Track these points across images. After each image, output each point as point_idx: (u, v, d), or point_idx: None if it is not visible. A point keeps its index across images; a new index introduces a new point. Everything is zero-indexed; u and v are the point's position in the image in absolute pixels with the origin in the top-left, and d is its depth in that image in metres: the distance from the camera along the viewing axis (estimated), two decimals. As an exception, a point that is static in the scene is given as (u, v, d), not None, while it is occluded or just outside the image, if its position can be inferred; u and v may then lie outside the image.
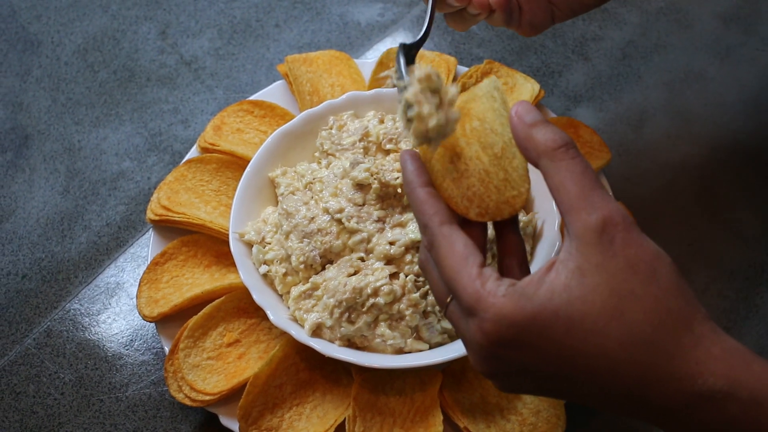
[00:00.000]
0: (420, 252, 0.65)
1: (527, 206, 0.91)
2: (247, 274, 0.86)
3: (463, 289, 0.58)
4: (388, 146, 0.90)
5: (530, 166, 0.63)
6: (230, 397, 0.84)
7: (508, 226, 0.66)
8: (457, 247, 0.60)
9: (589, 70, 1.10)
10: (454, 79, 1.01)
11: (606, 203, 0.56)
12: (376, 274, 0.82)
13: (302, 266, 0.85)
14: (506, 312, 0.56)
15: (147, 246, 0.97)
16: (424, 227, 0.62)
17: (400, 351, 0.83)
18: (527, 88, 0.99)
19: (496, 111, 0.64)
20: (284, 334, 0.85)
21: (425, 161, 0.66)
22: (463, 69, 1.02)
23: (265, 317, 0.85)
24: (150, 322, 0.89)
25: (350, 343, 0.83)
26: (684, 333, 0.55)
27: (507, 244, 0.65)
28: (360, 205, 0.86)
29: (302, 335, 0.82)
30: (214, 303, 0.87)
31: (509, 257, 0.65)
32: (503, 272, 0.64)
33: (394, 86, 0.68)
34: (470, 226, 0.64)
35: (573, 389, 0.58)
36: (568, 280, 0.55)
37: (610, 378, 0.55)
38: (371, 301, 0.81)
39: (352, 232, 0.84)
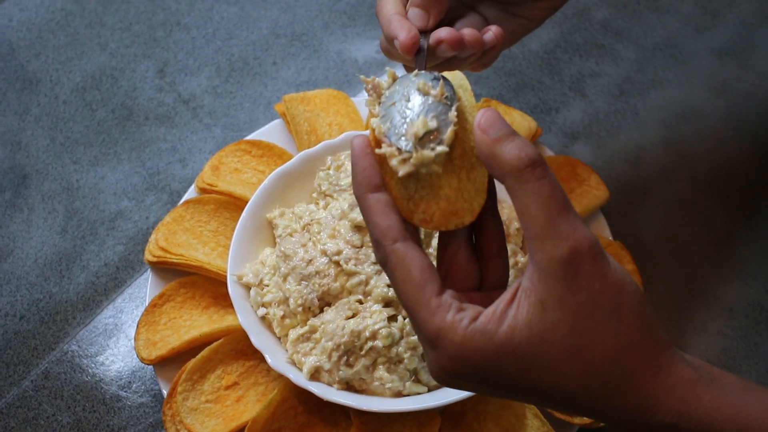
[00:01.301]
0: (375, 255, 0.61)
1: (525, 245, 0.91)
2: (245, 316, 0.86)
3: (422, 322, 0.56)
4: None
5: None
6: (229, 440, 0.84)
7: (486, 218, 0.61)
8: (413, 272, 0.56)
9: (586, 106, 1.11)
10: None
11: (573, 231, 0.53)
12: (374, 317, 0.82)
13: (300, 309, 0.85)
14: (466, 352, 0.55)
15: (145, 286, 0.97)
16: (375, 242, 0.58)
17: (398, 394, 0.83)
18: (524, 126, 1.00)
19: (461, 112, 0.59)
20: (282, 377, 0.85)
21: (375, 147, 0.59)
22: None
23: (263, 359, 0.85)
24: (148, 364, 0.88)
25: (349, 386, 0.83)
26: (641, 367, 0.55)
27: (488, 249, 0.62)
28: (358, 247, 0.86)
29: (300, 379, 0.82)
30: (212, 346, 0.87)
31: (490, 268, 0.62)
32: (486, 284, 0.62)
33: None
34: (454, 244, 0.61)
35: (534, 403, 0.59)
36: (530, 316, 0.54)
37: (568, 407, 0.57)
38: (370, 344, 0.81)
39: (350, 274, 0.84)
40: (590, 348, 0.54)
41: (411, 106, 0.58)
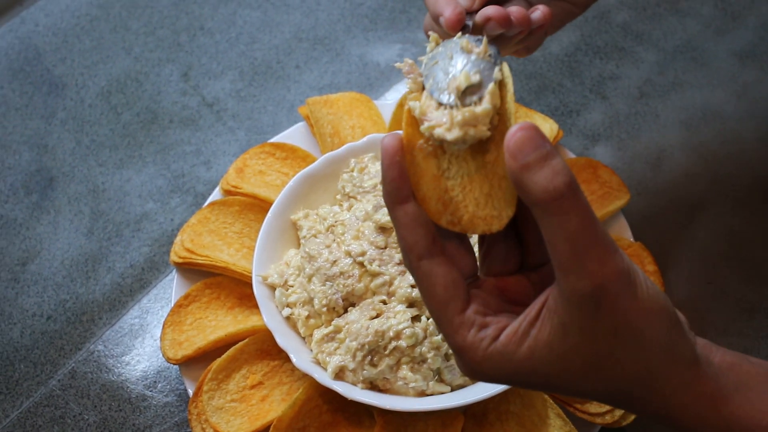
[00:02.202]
0: (404, 263, 0.63)
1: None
2: (270, 317, 0.87)
3: (446, 336, 0.58)
4: None
5: None
6: (254, 439, 0.85)
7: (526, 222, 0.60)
8: (437, 289, 0.57)
9: (606, 108, 1.11)
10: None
11: (600, 268, 0.52)
12: (398, 317, 0.83)
13: (325, 309, 0.86)
14: (485, 370, 0.57)
15: (170, 287, 0.98)
16: (404, 253, 0.59)
17: (422, 393, 0.83)
18: (546, 128, 1.00)
19: (504, 112, 0.56)
20: (307, 377, 0.86)
21: (407, 146, 0.58)
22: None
23: (287, 359, 0.86)
24: (174, 364, 0.90)
25: (372, 385, 0.84)
26: (662, 385, 0.56)
27: (499, 254, 0.61)
28: (382, 248, 0.87)
29: (325, 378, 0.83)
30: (237, 345, 0.88)
31: (531, 250, 0.61)
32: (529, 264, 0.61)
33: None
34: (455, 241, 0.60)
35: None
36: (551, 337, 0.54)
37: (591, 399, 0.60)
38: (393, 344, 0.82)
39: (375, 275, 0.85)
40: (609, 368, 0.55)
41: (454, 63, 0.57)
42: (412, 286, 0.84)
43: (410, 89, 0.59)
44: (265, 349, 0.89)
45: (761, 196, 1.04)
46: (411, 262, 0.58)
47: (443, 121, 0.55)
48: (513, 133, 0.53)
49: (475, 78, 0.55)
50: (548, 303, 0.55)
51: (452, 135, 0.55)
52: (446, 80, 0.56)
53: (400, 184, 0.57)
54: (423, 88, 0.58)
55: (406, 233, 0.57)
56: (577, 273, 0.52)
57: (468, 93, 0.55)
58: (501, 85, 0.56)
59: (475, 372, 0.58)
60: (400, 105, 1.03)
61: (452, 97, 0.55)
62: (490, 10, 0.69)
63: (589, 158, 1.01)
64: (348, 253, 0.87)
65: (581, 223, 0.52)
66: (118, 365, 0.95)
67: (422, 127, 0.56)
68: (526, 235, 0.61)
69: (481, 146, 0.56)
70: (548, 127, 1.01)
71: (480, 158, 0.56)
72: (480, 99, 0.55)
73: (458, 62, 0.57)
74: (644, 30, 1.18)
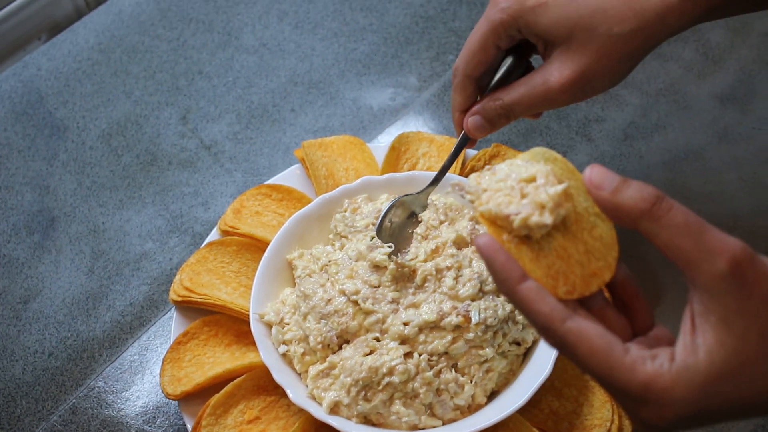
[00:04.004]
0: (546, 341, 0.61)
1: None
2: (267, 353, 0.90)
3: (625, 383, 0.56)
4: None
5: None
6: (251, 473, 0.87)
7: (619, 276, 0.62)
8: (595, 343, 0.57)
9: (592, 150, 1.15)
10: (463, 163, 1.05)
11: (723, 244, 0.55)
12: (390, 354, 0.86)
13: (320, 346, 0.88)
14: (681, 394, 0.55)
15: (169, 325, 1.01)
16: (544, 330, 0.58)
17: (414, 427, 0.86)
18: (533, 170, 1.04)
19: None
20: (303, 412, 0.88)
21: (498, 232, 0.61)
22: (471, 152, 1.06)
23: (284, 395, 0.88)
24: (173, 400, 0.92)
25: (366, 420, 0.87)
26: None
27: (628, 297, 0.63)
28: (375, 287, 0.89)
29: (320, 413, 0.86)
30: (235, 381, 0.90)
31: (636, 313, 0.62)
32: (636, 329, 0.62)
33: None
34: (597, 306, 0.61)
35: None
36: (718, 336, 0.55)
37: None
38: (386, 379, 0.85)
39: (368, 313, 0.88)
40: None
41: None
42: (405, 324, 0.87)
43: (473, 199, 0.63)
44: (262, 385, 0.91)
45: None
46: (557, 330, 0.57)
47: (531, 211, 0.59)
48: (590, 173, 0.58)
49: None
50: (696, 310, 0.56)
51: (549, 218, 0.59)
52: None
53: (511, 266, 0.59)
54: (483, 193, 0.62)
55: (541, 306, 0.58)
56: (708, 259, 0.55)
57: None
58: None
59: (668, 404, 0.55)
60: (392, 148, 1.06)
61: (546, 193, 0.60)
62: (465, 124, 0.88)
63: (575, 199, 1.04)
64: (342, 292, 0.89)
65: (685, 215, 0.55)
66: (118, 401, 0.98)
67: (516, 221, 0.59)
68: (624, 297, 0.63)
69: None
70: (535, 169, 1.04)
71: (560, 226, 0.60)
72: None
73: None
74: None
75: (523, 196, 0.60)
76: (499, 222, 0.60)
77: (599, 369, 0.57)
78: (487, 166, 0.65)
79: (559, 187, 0.60)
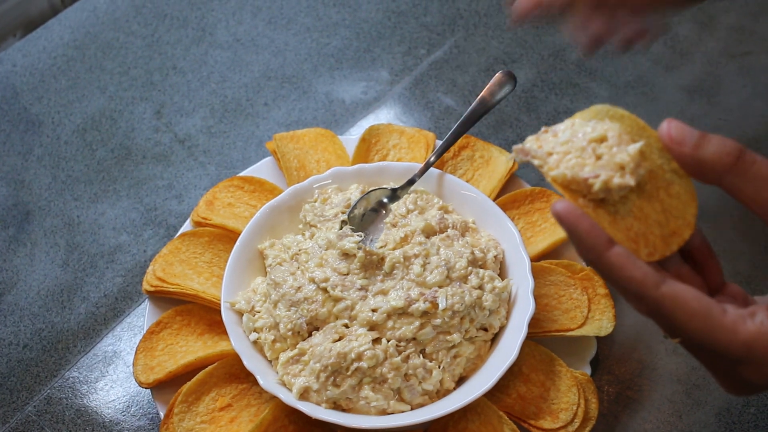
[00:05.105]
0: (637, 308, 0.59)
1: (501, 272, 0.96)
2: (238, 341, 0.91)
3: (727, 344, 0.54)
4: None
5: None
6: (222, 459, 0.89)
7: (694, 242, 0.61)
8: (693, 305, 0.55)
9: (561, 141, 1.16)
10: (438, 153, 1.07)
11: None
12: (359, 340, 0.87)
13: (290, 333, 0.90)
14: None
15: (143, 316, 1.02)
16: (637, 296, 0.56)
17: (383, 412, 0.87)
18: (502, 160, 1.05)
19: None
20: (274, 398, 0.90)
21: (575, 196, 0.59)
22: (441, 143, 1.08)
23: (255, 382, 0.89)
24: (146, 388, 0.93)
25: (336, 405, 0.88)
26: None
27: (701, 255, 0.62)
28: (344, 275, 0.91)
29: (290, 399, 0.87)
30: (206, 369, 0.92)
31: (709, 271, 0.61)
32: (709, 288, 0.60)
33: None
34: (674, 266, 0.59)
35: None
36: None
37: None
38: (355, 365, 0.86)
39: (337, 300, 0.89)
40: None
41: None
42: (373, 310, 0.88)
43: (540, 164, 0.61)
44: (233, 372, 0.93)
45: (711, 224, 1.08)
46: (652, 295, 0.55)
47: (611, 173, 0.57)
48: (667, 128, 0.56)
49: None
50: None
51: (631, 179, 0.57)
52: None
53: (597, 232, 0.56)
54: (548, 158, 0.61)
55: (632, 271, 0.55)
56: None
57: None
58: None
59: None
60: (363, 140, 1.08)
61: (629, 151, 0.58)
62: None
63: (543, 188, 1.05)
64: (312, 280, 0.91)
65: None
66: (92, 391, 0.99)
67: (596, 185, 0.57)
68: (697, 256, 0.61)
69: None
70: (504, 159, 1.06)
71: (635, 186, 0.58)
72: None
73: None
74: (597, 67, 1.24)
75: (598, 157, 0.58)
76: (573, 186, 0.58)
77: (699, 332, 0.55)
78: (543, 127, 0.62)
79: (637, 145, 0.58)
